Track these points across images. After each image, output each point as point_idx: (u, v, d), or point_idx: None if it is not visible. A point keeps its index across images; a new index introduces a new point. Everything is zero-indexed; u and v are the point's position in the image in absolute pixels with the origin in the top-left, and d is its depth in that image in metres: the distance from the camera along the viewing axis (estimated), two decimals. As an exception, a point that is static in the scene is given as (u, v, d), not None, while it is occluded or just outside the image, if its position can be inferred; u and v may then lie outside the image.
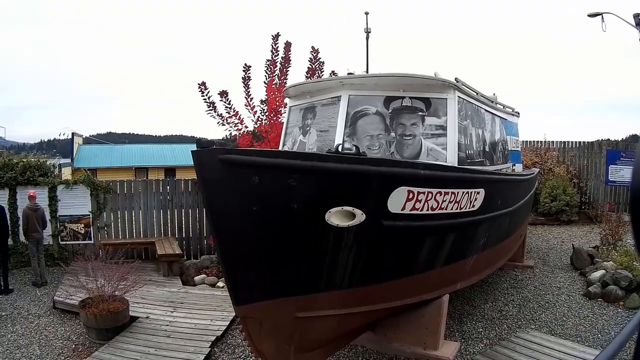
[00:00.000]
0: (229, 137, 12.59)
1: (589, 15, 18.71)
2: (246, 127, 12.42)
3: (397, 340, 6.33)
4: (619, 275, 8.78)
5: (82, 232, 12.09)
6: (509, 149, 9.44)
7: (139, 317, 7.85)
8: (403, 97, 6.22)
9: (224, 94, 12.19)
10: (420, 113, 6.21)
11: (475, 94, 7.25)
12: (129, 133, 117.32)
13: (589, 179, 17.57)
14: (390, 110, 6.25)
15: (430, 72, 6.60)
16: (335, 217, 4.18)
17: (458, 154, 6.17)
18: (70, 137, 38.21)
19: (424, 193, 4.84)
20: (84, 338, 7.48)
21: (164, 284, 9.98)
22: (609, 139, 18.60)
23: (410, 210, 4.79)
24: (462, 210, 5.55)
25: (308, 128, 7.03)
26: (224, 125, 12.32)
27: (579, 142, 18.04)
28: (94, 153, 38.72)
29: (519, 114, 11.03)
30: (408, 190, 4.66)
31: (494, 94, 8.95)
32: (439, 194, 5.04)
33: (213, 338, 7.10)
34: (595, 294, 8.80)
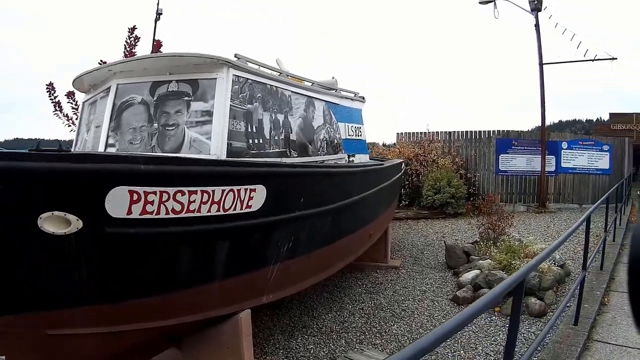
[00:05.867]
0: None
1: (480, 3, 18.39)
2: None
3: (202, 360, 5.44)
4: (493, 277, 7.60)
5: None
6: (344, 137, 8.38)
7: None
8: (170, 82, 5.47)
9: (70, 94, 11.38)
10: (186, 98, 5.41)
11: (277, 73, 6.37)
12: (36, 138, 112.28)
13: (477, 170, 17.29)
14: (155, 98, 5.48)
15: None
16: (48, 224, 3.57)
17: (232, 144, 5.30)
18: (-26, 144, 35.21)
19: (154, 193, 3.87)
20: None
21: None
22: (508, 131, 18.07)
23: (141, 215, 3.86)
24: (230, 212, 4.49)
25: (90, 124, 6.36)
26: (70, 126, 11.51)
27: (466, 132, 17.69)
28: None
29: (363, 99, 9.80)
30: (130, 191, 3.76)
31: (333, 77, 7.94)
32: (179, 194, 4.02)
33: None
34: (464, 299, 7.60)
